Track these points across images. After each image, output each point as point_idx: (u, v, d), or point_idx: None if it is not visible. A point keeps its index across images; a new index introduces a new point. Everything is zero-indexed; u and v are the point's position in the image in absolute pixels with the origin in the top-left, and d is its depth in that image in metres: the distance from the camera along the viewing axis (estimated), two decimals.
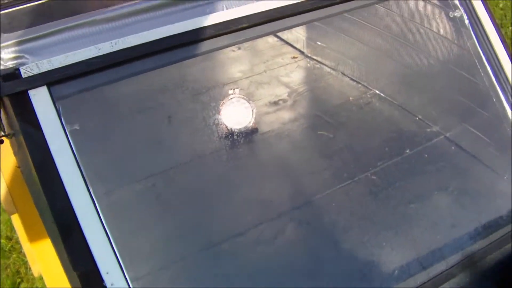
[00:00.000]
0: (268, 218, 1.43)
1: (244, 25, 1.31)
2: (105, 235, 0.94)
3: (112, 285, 0.95)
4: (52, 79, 1.04)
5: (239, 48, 2.23)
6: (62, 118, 1.04)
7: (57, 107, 1.04)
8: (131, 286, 0.97)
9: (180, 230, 1.41)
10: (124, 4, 1.11)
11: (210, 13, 1.19)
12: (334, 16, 1.50)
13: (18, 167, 1.31)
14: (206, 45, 1.19)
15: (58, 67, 1.05)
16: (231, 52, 2.20)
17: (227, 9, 1.22)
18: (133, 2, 1.11)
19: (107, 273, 0.96)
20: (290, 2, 1.35)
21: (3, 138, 1.11)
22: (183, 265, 1.34)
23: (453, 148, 1.70)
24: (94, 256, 0.94)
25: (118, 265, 0.97)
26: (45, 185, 0.96)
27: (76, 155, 1.01)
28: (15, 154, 1.23)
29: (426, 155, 1.67)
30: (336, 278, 1.35)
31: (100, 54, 1.08)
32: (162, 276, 1.31)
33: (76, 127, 1.06)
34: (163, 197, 1.48)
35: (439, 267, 1.32)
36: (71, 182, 0.98)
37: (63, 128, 1.02)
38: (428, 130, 1.77)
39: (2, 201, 1.73)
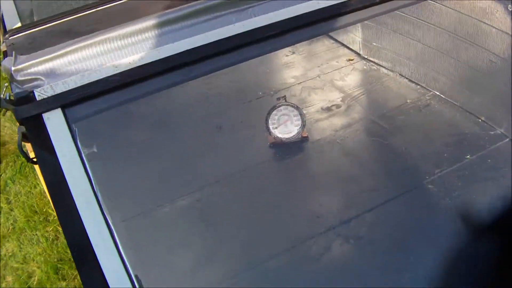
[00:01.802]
0: (315, 233, 1.37)
1: (291, 27, 1.26)
2: (122, 266, 0.91)
3: None
4: (67, 101, 1.03)
5: (293, 53, 2.18)
6: (78, 141, 1.02)
7: (73, 129, 1.02)
8: None
9: (223, 249, 1.37)
10: (144, 18, 1.08)
11: (233, 22, 1.14)
12: (386, 13, 1.42)
13: None
14: (232, 57, 1.14)
15: (73, 87, 1.04)
16: (284, 57, 2.16)
17: (255, 16, 1.17)
18: (151, 16, 1.09)
19: None
20: (337, 1, 1.28)
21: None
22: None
23: None
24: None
25: None
26: (60, 214, 0.94)
27: (93, 180, 0.98)
28: None
29: (489, 160, 1.56)
30: None
31: (117, 72, 1.06)
32: None
33: (94, 149, 1.04)
34: (202, 215, 1.45)
35: None
36: (87, 210, 0.95)
37: (78, 152, 1.00)
38: (492, 132, 1.65)
39: None
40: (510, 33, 1.53)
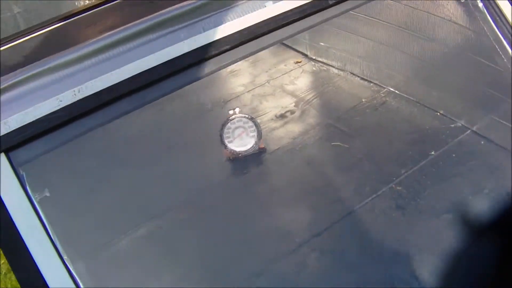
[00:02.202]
0: (287, 251, 1.29)
1: (241, 41, 1.16)
2: None
3: None
4: (11, 143, 0.90)
5: None
6: (27, 186, 0.90)
7: (20, 174, 0.90)
8: None
9: (192, 277, 1.27)
10: (84, 44, 0.96)
11: (183, 39, 1.04)
12: (342, 14, 1.34)
13: None
14: (186, 76, 1.04)
15: (16, 128, 0.91)
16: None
17: (204, 31, 1.06)
18: (93, 40, 0.97)
19: None
20: (291, 7, 1.19)
21: None
22: None
23: (482, 143, 1.54)
24: None
25: None
26: (17, 269, 0.82)
27: (46, 222, 0.87)
28: None
29: (454, 155, 1.51)
30: None
31: (62, 105, 0.93)
32: None
33: (45, 192, 0.92)
34: (166, 242, 1.35)
35: None
36: (45, 260, 0.84)
37: (28, 197, 0.88)
38: (452, 125, 1.61)
39: None
40: (462, 23, 1.49)
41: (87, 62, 0.96)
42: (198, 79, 1.05)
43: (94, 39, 0.96)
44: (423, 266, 1.26)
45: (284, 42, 2.17)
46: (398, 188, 1.42)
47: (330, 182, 1.49)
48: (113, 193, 1.44)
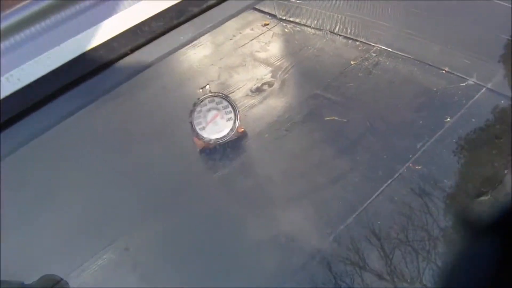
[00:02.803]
0: (292, 267, 1.01)
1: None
2: None
3: None
4: None
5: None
6: None
7: None
8: None
9: None
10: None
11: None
12: None
13: None
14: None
15: None
16: None
17: None
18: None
19: None
20: None
21: None
22: None
23: (502, 102, 1.28)
24: None
25: None
26: None
27: None
28: None
29: (473, 120, 1.25)
30: None
31: None
32: None
33: None
34: (136, 266, 1.05)
35: None
36: None
37: None
38: (464, 84, 1.35)
39: None
40: None
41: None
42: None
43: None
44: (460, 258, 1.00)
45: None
46: (417, 167, 1.15)
47: (331, 169, 1.20)
48: (62, 212, 1.13)
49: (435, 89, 1.35)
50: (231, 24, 1.77)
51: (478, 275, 0.78)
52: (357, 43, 1.56)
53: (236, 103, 1.37)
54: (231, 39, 1.70)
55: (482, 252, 0.85)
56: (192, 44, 1.69)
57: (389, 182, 1.13)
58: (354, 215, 1.08)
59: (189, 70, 1.60)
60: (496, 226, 0.92)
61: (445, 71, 1.40)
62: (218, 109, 1.29)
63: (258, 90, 1.47)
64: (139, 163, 1.29)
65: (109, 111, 1.39)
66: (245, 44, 1.66)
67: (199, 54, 1.66)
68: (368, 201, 1.10)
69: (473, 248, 0.89)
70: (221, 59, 1.61)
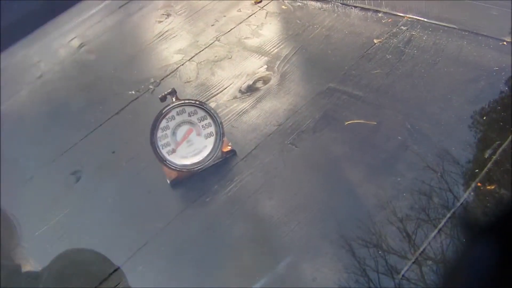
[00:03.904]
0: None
1: None
2: None
3: None
4: None
5: (168, 15, 1.37)
6: None
7: None
8: None
9: None
10: None
11: None
12: None
13: None
14: None
15: None
16: (157, 25, 1.34)
17: None
18: None
19: None
20: None
21: None
22: None
23: None
24: None
25: None
26: None
27: None
28: None
29: None
30: None
31: None
32: None
33: None
34: None
35: None
36: None
37: None
38: None
39: None
40: None
41: None
42: None
43: None
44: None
45: None
46: (488, 187, 0.76)
47: (360, 199, 0.81)
48: None
49: (496, 67, 0.95)
50: (213, 6, 1.37)
51: (478, 275, 0.55)
52: (380, 14, 1.16)
53: (220, 108, 0.98)
54: (212, 25, 1.30)
55: (482, 252, 0.58)
56: (162, 35, 1.29)
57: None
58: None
59: (155, 68, 1.20)
60: (496, 226, 0.60)
61: (506, 42, 1.00)
62: (191, 123, 0.90)
63: (250, 89, 1.07)
64: (92, 204, 0.91)
65: None
66: (231, 30, 1.27)
67: (173, 47, 1.27)
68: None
69: (473, 248, 0.60)
70: (199, 51, 1.22)
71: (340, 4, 1.22)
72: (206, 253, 0.79)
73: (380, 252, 0.74)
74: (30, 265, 0.81)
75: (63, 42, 1.38)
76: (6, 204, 0.89)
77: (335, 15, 1.21)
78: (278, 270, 0.74)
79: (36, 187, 0.98)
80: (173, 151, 0.90)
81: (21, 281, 0.78)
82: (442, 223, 0.75)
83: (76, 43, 1.37)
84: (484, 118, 0.88)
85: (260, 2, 1.34)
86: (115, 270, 0.78)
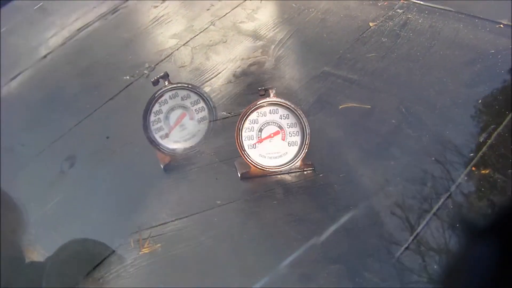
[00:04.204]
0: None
1: None
2: None
3: None
4: None
5: (163, 0, 1.36)
6: None
7: None
8: None
9: None
10: None
11: None
12: None
13: None
14: None
15: None
16: (152, 10, 1.33)
17: None
18: None
19: None
20: None
21: None
22: None
23: None
24: None
25: None
26: None
27: None
28: None
29: None
30: None
31: None
32: None
33: None
34: None
35: None
36: None
37: None
38: None
39: None
40: None
41: None
42: None
43: None
44: None
45: None
46: (483, 171, 0.75)
47: (353, 185, 0.80)
48: None
49: (492, 50, 0.94)
50: None
51: (478, 275, 0.58)
52: None
53: (215, 92, 0.97)
54: (208, 9, 1.29)
55: (482, 253, 0.62)
56: (157, 20, 1.28)
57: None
58: None
59: (151, 51, 1.20)
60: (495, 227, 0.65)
61: (503, 24, 0.99)
62: (185, 107, 0.89)
63: (245, 73, 1.06)
64: (83, 193, 0.91)
65: None
66: (226, 14, 1.25)
67: (168, 31, 1.26)
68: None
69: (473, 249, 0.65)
70: (194, 36, 1.21)
71: None
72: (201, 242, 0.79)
73: (374, 235, 0.74)
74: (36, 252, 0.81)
75: (57, 27, 1.37)
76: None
77: None
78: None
79: (30, 173, 0.97)
80: (166, 135, 0.89)
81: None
82: (437, 207, 0.75)
83: (71, 28, 1.35)
84: (480, 101, 0.88)
85: None
86: (110, 254, 0.78)
